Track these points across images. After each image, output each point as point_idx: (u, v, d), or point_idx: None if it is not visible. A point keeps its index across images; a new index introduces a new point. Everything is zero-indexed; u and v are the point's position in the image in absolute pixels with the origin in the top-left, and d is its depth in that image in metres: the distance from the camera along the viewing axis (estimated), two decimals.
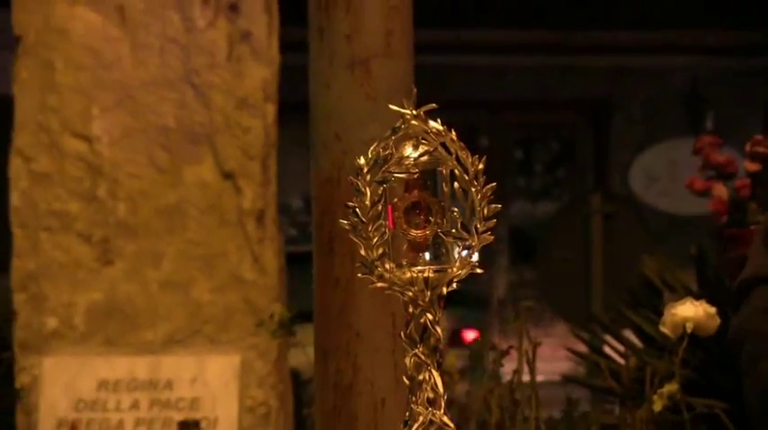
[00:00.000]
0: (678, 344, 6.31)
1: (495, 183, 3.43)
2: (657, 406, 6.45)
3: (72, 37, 10.61)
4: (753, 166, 10.61)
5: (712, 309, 6.28)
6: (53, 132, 10.53)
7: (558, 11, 20.17)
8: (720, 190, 10.89)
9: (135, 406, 10.25)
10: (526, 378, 7.71)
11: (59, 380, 10.29)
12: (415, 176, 3.36)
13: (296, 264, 10.60)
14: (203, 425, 10.05)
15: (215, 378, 10.30)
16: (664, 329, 6.41)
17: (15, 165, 10.59)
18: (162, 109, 10.56)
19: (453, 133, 3.41)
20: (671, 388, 6.40)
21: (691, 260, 11.07)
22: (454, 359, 8.17)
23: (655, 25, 20.42)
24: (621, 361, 8.30)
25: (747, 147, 10.61)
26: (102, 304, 10.44)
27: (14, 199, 10.58)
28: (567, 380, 10.96)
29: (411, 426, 3.31)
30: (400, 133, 3.38)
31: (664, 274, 10.67)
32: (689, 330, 6.27)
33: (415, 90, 5.28)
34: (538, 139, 23.27)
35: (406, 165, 3.36)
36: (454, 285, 3.36)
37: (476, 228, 3.36)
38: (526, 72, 21.17)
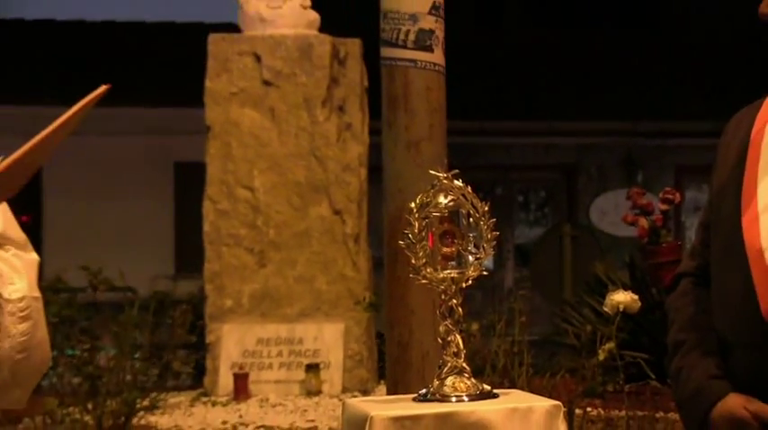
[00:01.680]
0: (615, 318, 6.28)
1: (495, 219, 3.43)
2: (602, 356, 6.41)
3: (242, 127, 10.65)
4: (664, 207, 10.63)
5: (636, 296, 6.23)
6: (230, 185, 10.59)
7: (544, 108, 20.16)
8: (643, 221, 10.88)
9: (279, 354, 10.27)
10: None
11: (233, 338, 10.32)
12: (446, 214, 3.37)
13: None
14: (321, 366, 10.05)
15: (329, 337, 10.31)
16: (605, 308, 6.37)
17: (206, 206, 10.67)
18: (296, 171, 10.58)
19: (469, 188, 3.41)
20: (610, 345, 6.36)
21: (625, 265, 11.11)
22: (476, 325, 8.11)
23: (605, 117, 20.38)
24: (581, 328, 8.29)
25: (661, 195, 10.60)
26: (259, 291, 10.47)
27: (206, 226, 10.66)
28: (548, 340, 10.99)
29: (443, 369, 3.31)
30: (436, 188, 3.39)
31: (608, 273, 10.70)
32: (621, 309, 6.24)
33: (446, 161, 5.23)
34: (532, 190, 23.14)
35: (440, 207, 3.36)
36: (470, 282, 3.37)
37: (483, 247, 3.36)
38: (524, 147, 21.09)
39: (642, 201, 11.22)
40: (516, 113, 20.40)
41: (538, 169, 22.55)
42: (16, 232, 2.59)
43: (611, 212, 18.69)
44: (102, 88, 2.27)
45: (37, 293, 2.49)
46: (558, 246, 16.03)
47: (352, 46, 10.82)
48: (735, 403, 2.75)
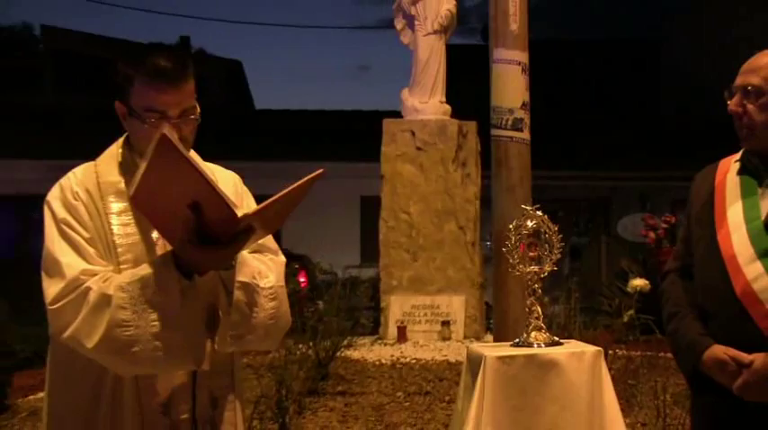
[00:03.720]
0: (634, 295, 6.21)
1: (562, 235, 3.44)
2: (625, 318, 6.34)
3: (403, 175, 10.67)
4: (665, 226, 10.40)
5: (647, 281, 6.16)
6: (395, 211, 10.62)
7: (590, 164, 19.97)
8: (652, 234, 10.71)
9: (425, 314, 10.22)
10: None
11: (397, 304, 10.31)
12: (531, 232, 3.38)
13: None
14: (450, 322, 9.99)
15: (456, 304, 10.24)
16: (629, 289, 6.29)
17: (381, 224, 10.69)
18: (436, 202, 10.56)
19: (545, 216, 3.42)
20: (631, 312, 6.28)
21: (640, 261, 10.91)
22: (547, 298, 8.06)
23: (628, 170, 20.13)
24: (612, 300, 8.17)
25: (663, 218, 10.38)
26: (413, 276, 10.44)
27: (381, 236, 10.69)
28: (592, 307, 10.85)
29: (528, 327, 3.32)
30: (525, 215, 3.40)
31: (630, 267, 10.50)
32: (638, 289, 6.16)
33: (531, 199, 5.21)
34: (581, 213, 22.79)
35: (528, 228, 3.38)
36: (546, 274, 3.37)
37: (554, 252, 3.37)
38: (577, 187, 20.86)
39: (651, 221, 11.15)
40: (572, 167, 20.22)
41: (585, 201, 22.25)
42: (272, 243, 2.65)
43: (631, 228, 18.39)
44: (320, 171, 2.34)
45: (282, 283, 2.55)
46: (598, 249, 15.88)
47: (471, 126, 10.81)
48: (719, 350, 2.76)
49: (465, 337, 9.96)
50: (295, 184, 2.27)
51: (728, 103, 2.87)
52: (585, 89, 25.02)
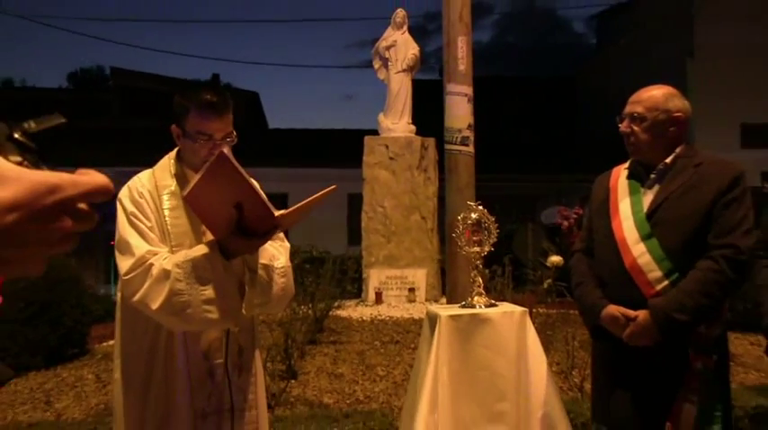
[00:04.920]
0: (552, 268, 6.23)
1: (497, 224, 3.47)
2: (545, 285, 6.36)
3: (379, 178, 10.62)
4: (575, 216, 10.38)
5: (561, 258, 6.18)
6: (374, 205, 10.51)
7: (523, 170, 19.99)
8: (565, 222, 10.69)
9: (396, 283, 10.17)
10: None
11: (375, 276, 10.26)
12: (475, 221, 3.41)
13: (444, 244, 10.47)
14: (415, 289, 10.00)
15: (419, 276, 10.21)
16: (548, 263, 6.32)
17: (363, 215, 10.58)
18: (404, 199, 10.52)
19: (486, 210, 3.45)
20: (549, 281, 6.31)
21: (556, 243, 10.93)
22: (487, 271, 8.06)
23: (551, 174, 20.18)
24: (536, 272, 8.19)
25: (574, 210, 10.35)
26: (388, 254, 10.39)
27: (363, 224, 10.57)
28: (520, 277, 10.85)
29: (472, 293, 3.35)
30: (470, 209, 3.42)
31: (549, 247, 10.48)
32: (554, 264, 6.18)
33: (474, 196, 5.21)
34: (514, 207, 22.71)
35: (472, 218, 3.41)
36: (485, 253, 3.40)
37: (491, 236, 3.40)
38: (512, 187, 20.90)
39: (565, 213, 11.11)
40: (507, 172, 20.22)
41: (518, 198, 22.20)
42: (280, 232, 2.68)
43: (550, 217, 18.35)
44: (333, 187, 2.39)
45: (289, 264, 2.58)
46: (525, 233, 15.87)
47: (431, 141, 10.79)
48: (613, 309, 2.81)
49: (426, 300, 9.96)
50: (314, 196, 2.33)
51: (620, 125, 2.94)
52: (519, 114, 25.29)
